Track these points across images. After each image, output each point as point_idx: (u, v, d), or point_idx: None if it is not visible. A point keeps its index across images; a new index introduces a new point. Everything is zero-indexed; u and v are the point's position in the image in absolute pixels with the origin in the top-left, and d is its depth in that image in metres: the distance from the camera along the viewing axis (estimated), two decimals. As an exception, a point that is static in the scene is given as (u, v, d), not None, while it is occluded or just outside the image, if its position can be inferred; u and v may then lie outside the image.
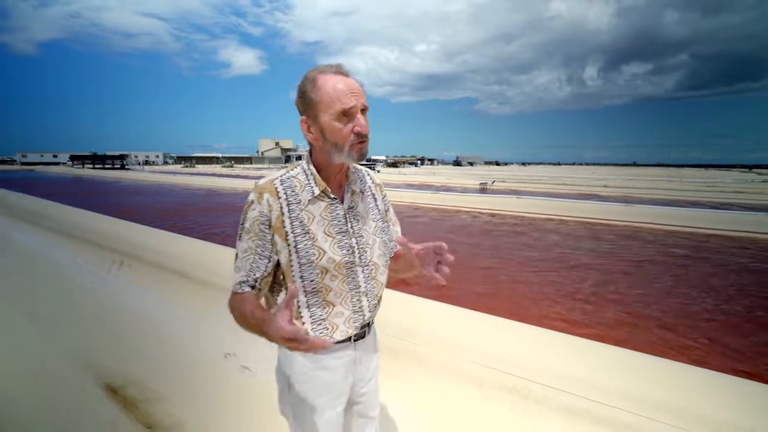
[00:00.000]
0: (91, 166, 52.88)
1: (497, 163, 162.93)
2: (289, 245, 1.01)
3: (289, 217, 1.01)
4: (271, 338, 0.88)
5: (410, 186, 23.10)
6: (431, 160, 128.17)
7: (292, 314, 0.83)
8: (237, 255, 1.04)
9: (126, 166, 53.51)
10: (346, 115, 0.96)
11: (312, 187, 1.04)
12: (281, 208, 1.01)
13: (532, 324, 2.34)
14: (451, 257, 0.94)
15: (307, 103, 1.00)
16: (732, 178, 35.91)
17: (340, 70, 0.99)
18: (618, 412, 1.59)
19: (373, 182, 1.22)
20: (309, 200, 1.03)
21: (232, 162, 79.00)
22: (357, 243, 1.08)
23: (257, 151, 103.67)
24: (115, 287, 3.93)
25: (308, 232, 1.02)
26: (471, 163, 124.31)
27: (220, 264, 3.35)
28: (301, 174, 1.06)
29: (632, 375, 1.79)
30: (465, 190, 20.89)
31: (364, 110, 1.00)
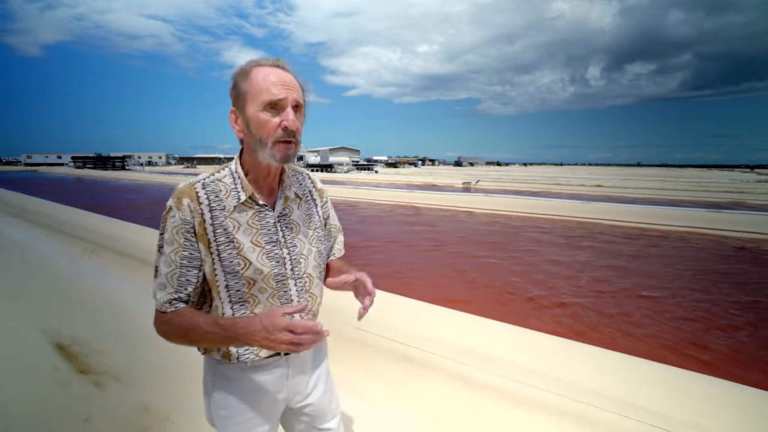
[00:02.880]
0: (92, 166, 53.67)
1: (498, 164, 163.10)
2: (212, 254, 0.93)
3: (212, 225, 0.93)
4: (250, 339, 0.84)
5: (394, 185, 23.57)
6: (432, 161, 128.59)
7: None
8: (158, 270, 0.94)
9: (126, 167, 54.27)
10: (274, 107, 0.90)
11: (238, 192, 0.96)
12: (203, 214, 0.92)
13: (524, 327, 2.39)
14: (367, 304, 0.99)
15: (237, 94, 0.93)
16: (729, 179, 35.88)
17: (277, 63, 0.93)
18: (611, 415, 1.59)
19: (314, 186, 1.14)
20: (234, 206, 0.95)
21: (233, 162, 79.62)
22: (289, 254, 1.00)
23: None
24: (84, 271, 4.45)
25: (232, 241, 0.94)
26: (472, 164, 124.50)
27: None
28: (227, 177, 0.98)
29: (624, 379, 1.79)
30: (436, 189, 21.33)
31: (297, 107, 0.93)
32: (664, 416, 1.50)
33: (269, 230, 0.98)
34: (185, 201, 0.92)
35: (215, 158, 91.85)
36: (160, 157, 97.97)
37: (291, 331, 0.81)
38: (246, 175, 0.98)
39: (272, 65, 0.93)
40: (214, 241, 0.93)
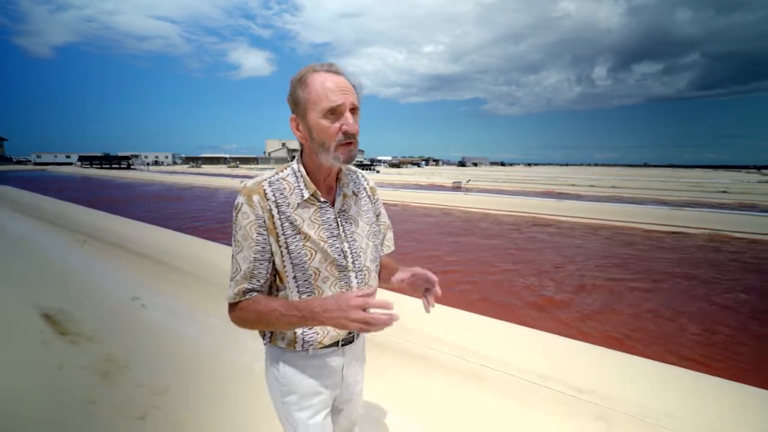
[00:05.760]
0: (98, 166, 54.63)
1: (503, 164, 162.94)
2: (281, 246, 0.99)
3: (279, 219, 0.98)
4: (325, 318, 0.89)
5: (387, 185, 24.02)
6: (436, 161, 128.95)
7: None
8: (235, 266, 1.00)
9: (131, 167, 55.20)
10: (334, 113, 0.94)
11: (301, 190, 1.01)
12: (271, 209, 0.98)
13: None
14: (438, 292, 1.03)
15: (296, 101, 0.98)
16: (730, 179, 35.53)
17: (331, 69, 0.97)
18: (608, 410, 1.64)
19: (367, 184, 1.20)
20: (298, 203, 1.00)
21: (237, 162, 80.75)
22: (350, 247, 1.05)
23: (264, 152, 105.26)
24: (76, 258, 4.97)
25: (299, 233, 0.99)
26: (476, 164, 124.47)
27: (145, 237, 4.36)
28: (290, 176, 1.03)
29: (610, 373, 1.89)
30: (426, 188, 21.77)
31: (353, 110, 0.97)
32: (665, 414, 1.60)
33: (330, 225, 1.04)
34: (255, 198, 0.98)
35: (220, 158, 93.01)
36: (167, 157, 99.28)
37: (364, 310, 0.86)
38: (307, 174, 1.04)
39: (327, 71, 0.96)
40: (282, 234, 0.99)
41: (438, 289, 1.03)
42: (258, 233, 0.98)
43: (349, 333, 1.11)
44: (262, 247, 0.98)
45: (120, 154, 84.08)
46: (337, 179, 1.09)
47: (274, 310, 0.95)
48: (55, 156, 79.89)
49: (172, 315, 3.29)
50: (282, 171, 1.04)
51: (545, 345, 2.25)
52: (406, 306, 2.75)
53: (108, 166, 54.17)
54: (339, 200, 1.07)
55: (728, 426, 1.55)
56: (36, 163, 72.81)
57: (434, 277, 1.04)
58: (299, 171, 1.03)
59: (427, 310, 1.03)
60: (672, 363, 2.09)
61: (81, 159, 63.65)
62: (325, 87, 0.94)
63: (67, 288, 4.01)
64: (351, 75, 0.99)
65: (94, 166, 55.04)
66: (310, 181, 1.02)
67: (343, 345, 1.11)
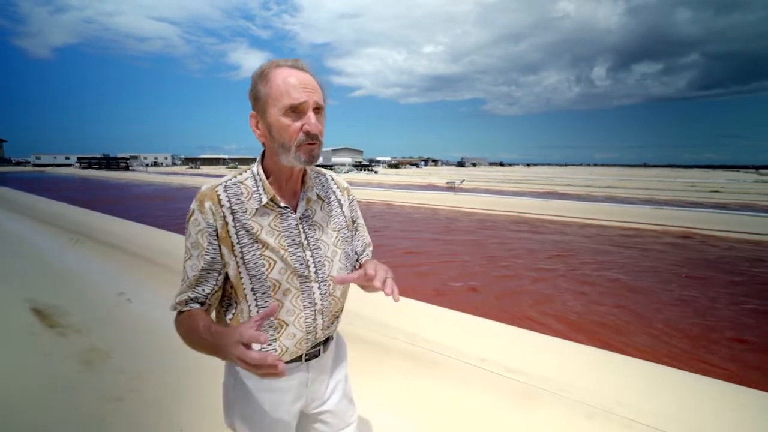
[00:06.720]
0: (97, 167, 54.82)
1: (501, 164, 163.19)
2: (236, 257, 0.92)
3: (234, 227, 0.91)
4: (225, 351, 0.76)
5: (381, 185, 24.18)
6: (435, 162, 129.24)
7: (259, 326, 0.74)
8: (184, 273, 0.94)
9: (130, 168, 55.39)
10: (295, 111, 0.87)
11: (260, 195, 0.94)
12: (224, 217, 0.91)
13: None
14: (377, 285, 0.87)
15: (256, 96, 0.90)
16: (726, 179, 35.57)
17: (296, 65, 0.90)
18: (590, 408, 1.67)
19: (338, 187, 1.11)
20: (256, 209, 0.93)
21: (236, 163, 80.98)
22: (312, 256, 0.98)
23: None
24: (69, 257, 5.13)
25: (257, 241, 0.92)
26: (474, 165, 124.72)
27: (137, 236, 4.51)
28: (249, 179, 0.96)
29: (604, 373, 1.91)
30: (419, 188, 21.94)
31: (317, 109, 0.90)
32: (663, 416, 1.61)
33: (291, 232, 0.96)
34: (207, 204, 0.92)
35: (219, 159, 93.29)
36: (166, 158, 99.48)
37: (245, 345, 0.71)
38: (268, 177, 0.97)
39: (291, 66, 0.90)
40: (237, 243, 0.92)
41: (377, 283, 0.87)
42: (209, 242, 0.92)
43: (314, 346, 1.04)
44: (212, 257, 0.92)
45: (119, 155, 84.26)
46: (302, 182, 1.01)
47: (196, 330, 0.86)
48: (55, 157, 79.98)
49: (165, 312, 3.43)
50: (241, 174, 0.98)
51: (538, 346, 2.30)
52: (400, 306, 2.81)
53: (106, 167, 54.36)
54: (302, 205, 0.99)
55: (726, 429, 1.55)
56: (35, 165, 72.96)
57: (371, 272, 0.89)
58: (258, 174, 0.96)
59: (395, 299, 0.87)
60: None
61: (80, 160, 63.80)
62: (288, 83, 0.87)
63: (59, 285, 4.16)
64: (317, 74, 0.93)
65: (93, 167, 55.26)
66: (269, 184, 0.95)
67: (307, 360, 1.04)
